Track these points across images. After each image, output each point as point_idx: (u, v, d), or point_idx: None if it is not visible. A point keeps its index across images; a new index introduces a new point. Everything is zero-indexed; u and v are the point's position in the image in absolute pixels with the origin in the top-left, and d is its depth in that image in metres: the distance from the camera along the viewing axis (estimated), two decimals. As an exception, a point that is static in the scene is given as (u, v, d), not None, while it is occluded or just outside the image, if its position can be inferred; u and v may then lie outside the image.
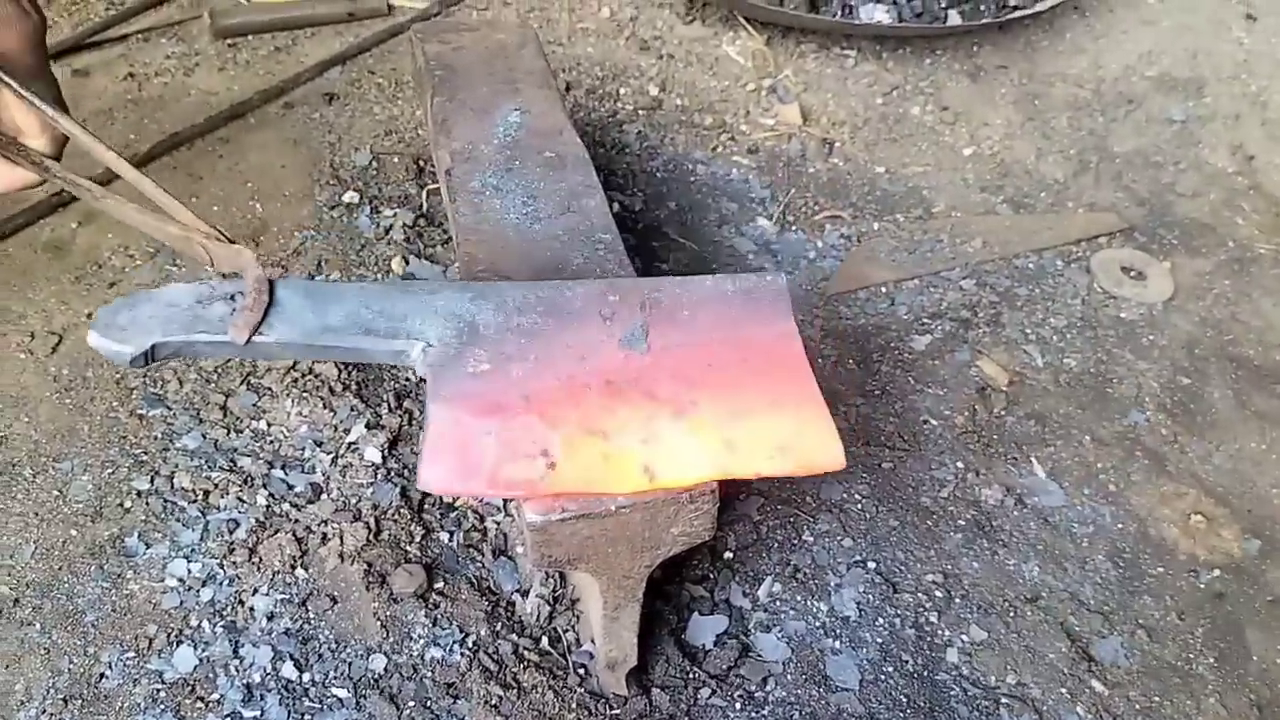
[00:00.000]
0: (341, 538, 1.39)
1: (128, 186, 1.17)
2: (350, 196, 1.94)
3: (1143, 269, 1.90)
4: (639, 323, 1.14)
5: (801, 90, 2.28)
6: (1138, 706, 1.31)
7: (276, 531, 1.41)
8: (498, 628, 1.32)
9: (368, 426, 1.51)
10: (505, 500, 1.44)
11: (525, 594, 1.36)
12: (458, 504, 1.45)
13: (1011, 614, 1.39)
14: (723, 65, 2.33)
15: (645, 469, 1.02)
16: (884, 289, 1.84)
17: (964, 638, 1.36)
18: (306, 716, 1.25)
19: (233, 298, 1.10)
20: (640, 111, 2.21)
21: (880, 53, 2.38)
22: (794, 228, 1.97)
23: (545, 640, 1.32)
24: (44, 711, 1.25)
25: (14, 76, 1.11)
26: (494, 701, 1.26)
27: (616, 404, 1.06)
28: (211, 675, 1.28)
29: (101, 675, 1.29)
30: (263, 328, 1.08)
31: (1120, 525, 1.50)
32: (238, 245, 1.13)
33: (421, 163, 2.01)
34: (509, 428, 1.03)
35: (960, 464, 1.56)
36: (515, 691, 1.27)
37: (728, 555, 1.43)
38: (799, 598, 1.39)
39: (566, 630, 1.33)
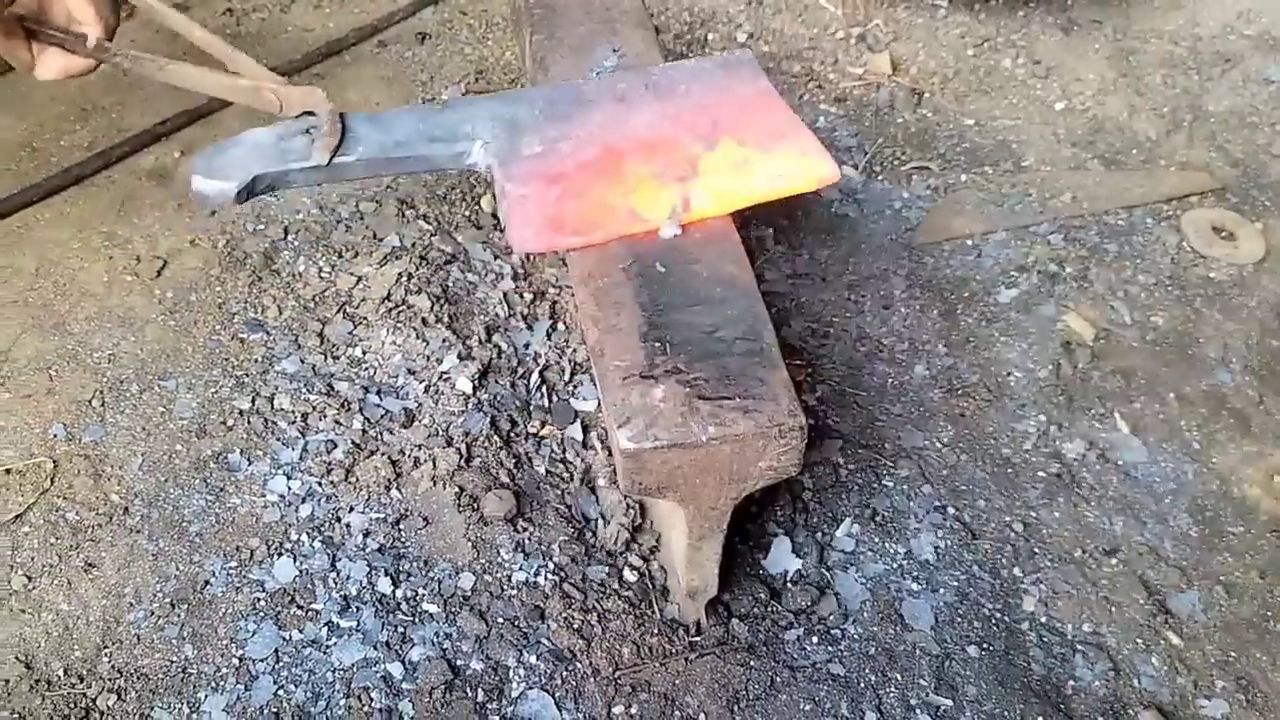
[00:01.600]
0: (434, 462, 1.44)
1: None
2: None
3: (1234, 229, 1.88)
4: (650, 98, 1.34)
5: (891, 40, 2.26)
6: (1213, 660, 1.32)
7: (372, 454, 1.46)
8: (581, 554, 1.36)
9: (459, 358, 1.55)
10: (587, 430, 1.48)
11: (607, 522, 1.39)
12: (544, 433, 1.49)
13: (1090, 565, 1.40)
14: (812, 13, 2.32)
15: (686, 201, 1.22)
16: (970, 241, 1.84)
17: (1042, 586, 1.38)
18: (400, 629, 1.30)
19: (308, 131, 1.24)
20: (728, 58, 2.20)
21: (972, 3, 2.35)
22: (880, 177, 1.96)
23: (626, 568, 1.36)
24: (151, 613, 1.32)
25: None
26: (576, 625, 1.30)
27: (650, 158, 1.27)
28: (310, 587, 1.34)
29: (206, 582, 1.35)
30: (344, 150, 1.23)
31: (1202, 483, 1.50)
32: (309, 86, 1.25)
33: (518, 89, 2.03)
34: (573, 188, 1.23)
35: (1043, 417, 1.57)
36: (597, 616, 1.31)
37: (807, 496, 1.45)
38: (877, 540, 1.41)
39: (647, 559, 1.36)
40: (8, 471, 1.44)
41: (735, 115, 1.32)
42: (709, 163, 1.26)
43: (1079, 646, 1.32)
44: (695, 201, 1.22)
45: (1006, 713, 1.25)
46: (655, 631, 1.29)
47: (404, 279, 1.65)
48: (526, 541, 1.37)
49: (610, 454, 1.46)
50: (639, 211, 1.21)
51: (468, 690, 1.25)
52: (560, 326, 1.61)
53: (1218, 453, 1.54)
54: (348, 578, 1.34)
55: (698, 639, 1.29)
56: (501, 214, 1.23)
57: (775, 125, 1.31)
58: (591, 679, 1.26)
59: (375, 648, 1.29)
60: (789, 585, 1.36)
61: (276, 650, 1.29)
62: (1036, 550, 1.41)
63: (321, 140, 1.21)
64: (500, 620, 1.31)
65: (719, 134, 1.30)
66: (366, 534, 1.38)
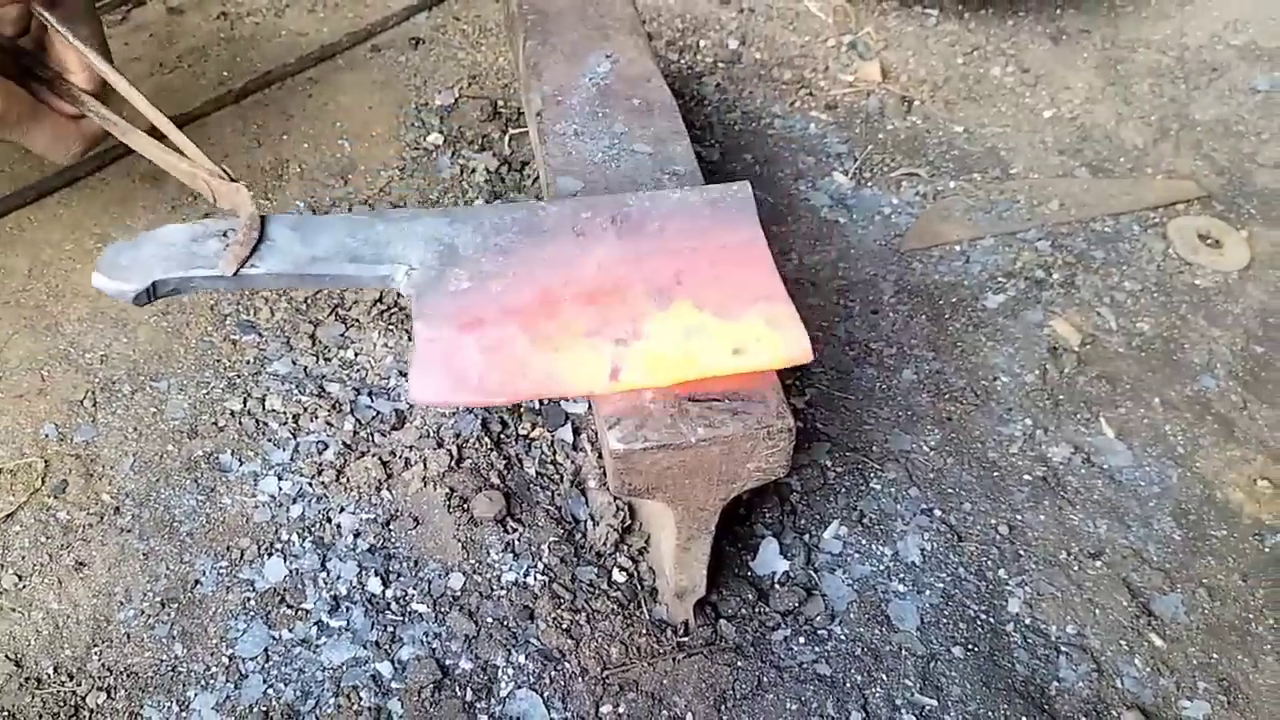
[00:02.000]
0: (425, 463, 1.45)
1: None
2: (434, 139, 1.98)
3: (1219, 237, 1.90)
4: (612, 236, 1.20)
5: (882, 48, 2.28)
6: (1195, 662, 1.33)
7: (363, 454, 1.46)
8: (570, 555, 1.37)
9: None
10: (577, 432, 1.49)
11: (597, 524, 1.40)
12: (534, 435, 1.50)
13: (1075, 568, 1.41)
14: (803, 20, 2.34)
15: (615, 370, 1.08)
16: (959, 247, 1.85)
17: (1026, 588, 1.39)
18: (389, 628, 1.31)
19: (225, 234, 1.16)
20: (719, 64, 2.22)
21: (962, 12, 2.37)
22: (870, 184, 1.98)
23: (615, 569, 1.36)
24: (142, 612, 1.33)
25: (57, 14, 1.20)
26: (565, 625, 1.31)
27: (592, 312, 1.12)
28: (300, 586, 1.34)
29: (196, 581, 1.36)
30: (254, 260, 1.14)
31: (1186, 487, 1.51)
32: (237, 184, 1.19)
33: (503, 108, 2.05)
34: (489, 340, 1.09)
35: (1029, 421, 1.58)
36: (585, 616, 1.32)
37: (795, 498, 1.46)
38: (864, 542, 1.42)
39: (635, 560, 1.37)
40: (-1, 471, 1.45)
41: (705, 268, 1.17)
42: (656, 325, 1.11)
43: (1063, 648, 1.33)
44: (626, 373, 1.08)
45: (991, 713, 1.26)
46: (643, 632, 1.30)
47: (396, 282, 1.66)
48: (516, 542, 1.38)
49: (600, 456, 1.47)
50: (558, 375, 1.07)
51: (457, 689, 1.26)
52: (551, 329, 1.62)
53: (1202, 457, 1.55)
54: (338, 577, 1.35)
55: (685, 639, 1.30)
56: (411, 355, 1.12)
57: (749, 286, 1.15)
58: (580, 678, 1.27)
59: (365, 647, 1.29)
60: (776, 586, 1.37)
61: (266, 649, 1.30)
62: (1022, 553, 1.43)
63: (231, 250, 1.14)
64: (489, 620, 1.31)
65: (677, 291, 1.14)
66: (357, 534, 1.39)
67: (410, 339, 1.58)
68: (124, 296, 1.13)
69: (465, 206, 1.23)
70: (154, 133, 1.22)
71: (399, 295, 1.11)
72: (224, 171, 1.20)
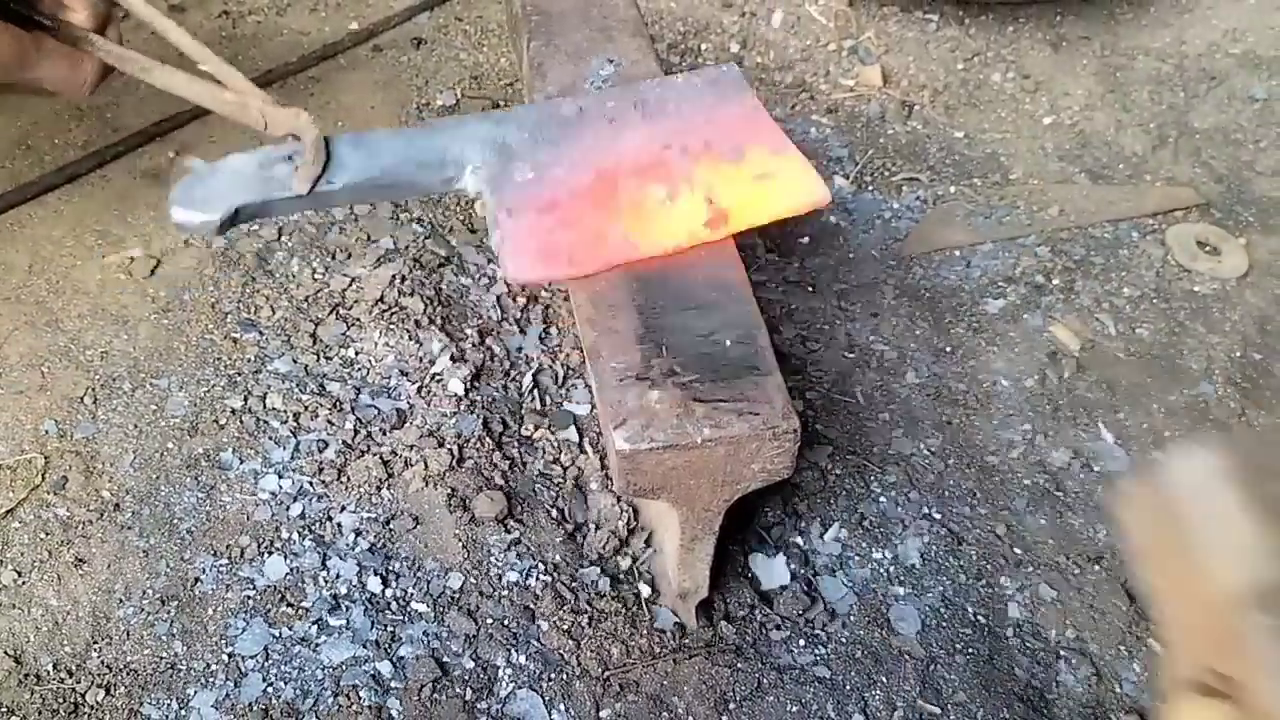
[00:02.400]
0: (426, 463, 1.45)
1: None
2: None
3: (1218, 244, 1.90)
4: (639, 119, 1.32)
5: (883, 53, 2.29)
6: (1194, 667, 1.33)
7: (363, 453, 1.46)
8: (572, 555, 1.37)
9: (452, 360, 1.56)
10: (581, 433, 1.49)
11: (599, 525, 1.40)
12: (536, 436, 1.50)
13: (1074, 572, 1.41)
14: (804, 25, 2.35)
15: (687, 229, 1.21)
16: (959, 252, 1.86)
17: (1026, 592, 1.39)
18: (389, 628, 1.31)
19: (290, 158, 1.19)
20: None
21: (963, 18, 2.37)
22: (870, 188, 1.98)
23: (616, 570, 1.36)
24: (141, 610, 1.32)
25: None
26: (567, 626, 1.31)
27: (644, 183, 1.25)
28: (300, 584, 1.34)
29: (196, 579, 1.35)
30: (327, 177, 1.19)
31: (1185, 493, 1.52)
32: (294, 108, 1.20)
33: (504, 107, 2.04)
34: (568, 217, 1.22)
35: (1029, 426, 1.58)
36: (586, 617, 1.32)
37: (796, 500, 1.46)
38: (865, 545, 1.43)
39: (637, 561, 1.37)
40: (-1, 467, 1.45)
41: (727, 135, 1.30)
42: (704, 187, 1.25)
43: (1062, 652, 1.34)
44: (692, 228, 1.21)
45: (990, 717, 1.27)
46: (644, 633, 1.30)
47: (397, 281, 1.66)
48: (517, 542, 1.38)
49: (603, 457, 1.47)
50: (635, 240, 1.20)
51: (457, 689, 1.26)
52: (552, 331, 1.62)
53: (1200, 463, 1.56)
54: (338, 576, 1.35)
55: (687, 640, 1.31)
56: (494, 243, 1.21)
57: (767, 145, 1.30)
58: (580, 679, 1.27)
59: (364, 646, 1.29)
60: (777, 588, 1.37)
61: (266, 647, 1.29)
62: (1021, 557, 1.43)
63: (305, 169, 1.17)
64: (490, 620, 1.31)
65: (712, 155, 1.28)
66: (357, 533, 1.39)
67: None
68: (208, 227, 1.16)
69: (503, 110, 1.35)
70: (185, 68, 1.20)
71: (463, 199, 1.20)
72: (274, 98, 1.20)
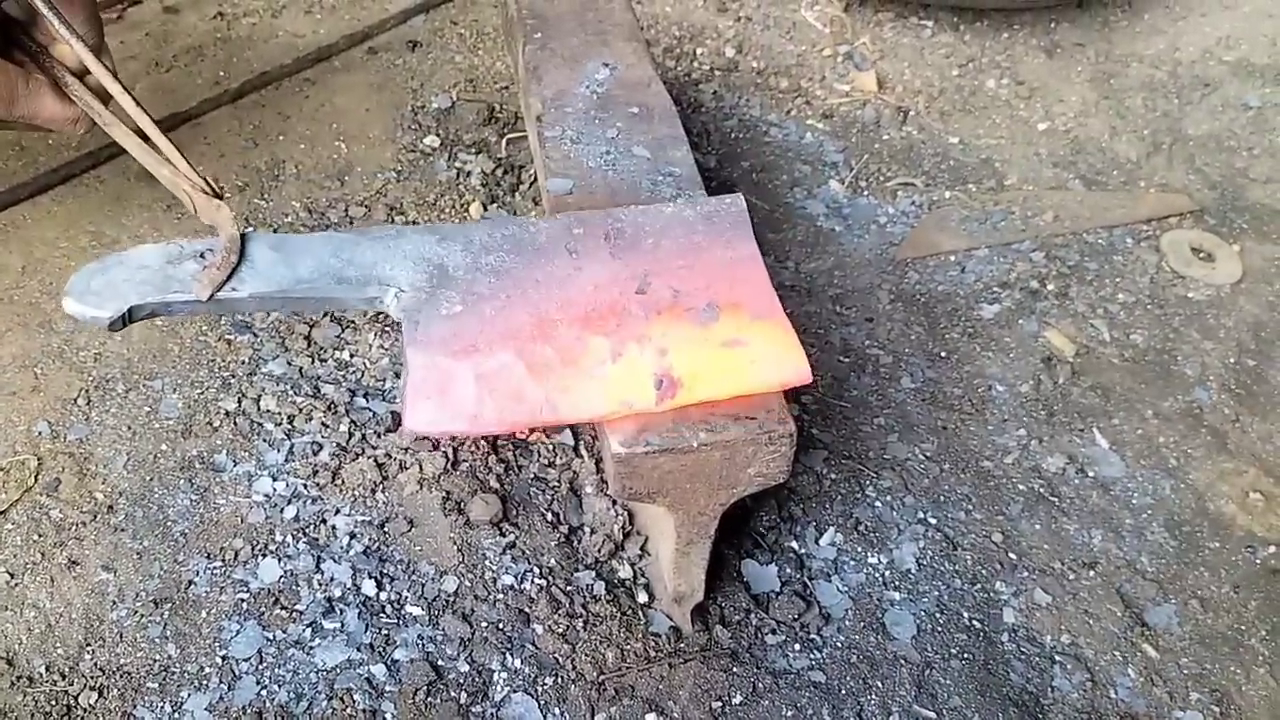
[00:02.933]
0: (420, 466, 1.44)
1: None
2: (431, 141, 1.98)
3: (1212, 251, 1.91)
4: (606, 254, 1.18)
5: (878, 58, 2.29)
6: (1188, 672, 1.34)
7: (358, 456, 1.46)
8: (567, 559, 1.37)
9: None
10: (577, 437, 1.49)
11: (594, 528, 1.40)
12: (531, 439, 1.49)
13: (1069, 577, 1.42)
14: (800, 30, 2.35)
15: (621, 398, 1.07)
16: (953, 257, 1.86)
17: (1021, 597, 1.39)
18: (384, 631, 1.30)
19: (203, 255, 1.12)
20: (716, 72, 2.23)
21: (957, 24, 2.38)
22: (866, 193, 1.99)
23: (611, 574, 1.36)
24: (135, 612, 1.32)
25: None
26: (562, 630, 1.30)
27: (587, 336, 1.11)
28: (294, 588, 1.34)
29: (190, 582, 1.35)
30: (235, 284, 1.11)
31: (1179, 499, 1.52)
32: (218, 201, 1.16)
33: (500, 112, 2.04)
34: (484, 367, 1.08)
35: (1023, 431, 1.59)
36: (581, 621, 1.31)
37: (791, 505, 1.46)
38: (860, 549, 1.43)
39: (633, 565, 1.37)
40: (-9, 468, 1.44)
41: (704, 286, 1.16)
42: (660, 350, 1.10)
43: (1057, 657, 1.34)
44: (632, 397, 1.08)
45: (986, 721, 1.27)
46: (640, 637, 1.30)
47: (392, 284, 1.66)
48: (512, 546, 1.38)
49: (598, 461, 1.47)
50: (555, 404, 1.07)
51: (451, 693, 1.26)
52: (548, 334, 1.62)
53: (1195, 469, 1.56)
54: (332, 579, 1.35)
55: (682, 645, 1.30)
56: (401, 380, 1.10)
57: (747, 307, 1.15)
58: (575, 683, 1.27)
59: (359, 649, 1.29)
60: (772, 593, 1.37)
61: (260, 650, 1.29)
62: (1016, 562, 1.43)
63: (207, 274, 1.11)
64: (484, 624, 1.31)
65: (674, 312, 1.13)
66: (351, 536, 1.39)
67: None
68: (98, 323, 1.09)
69: (453, 224, 1.21)
70: (142, 135, 1.18)
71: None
72: (207, 184, 1.16)
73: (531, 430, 1.08)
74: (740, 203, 1.25)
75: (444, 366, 1.08)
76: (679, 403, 1.08)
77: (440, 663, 1.28)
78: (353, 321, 1.62)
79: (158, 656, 1.28)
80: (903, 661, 1.32)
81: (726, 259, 1.19)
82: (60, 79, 1.18)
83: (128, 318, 1.10)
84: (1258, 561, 1.45)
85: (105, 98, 1.20)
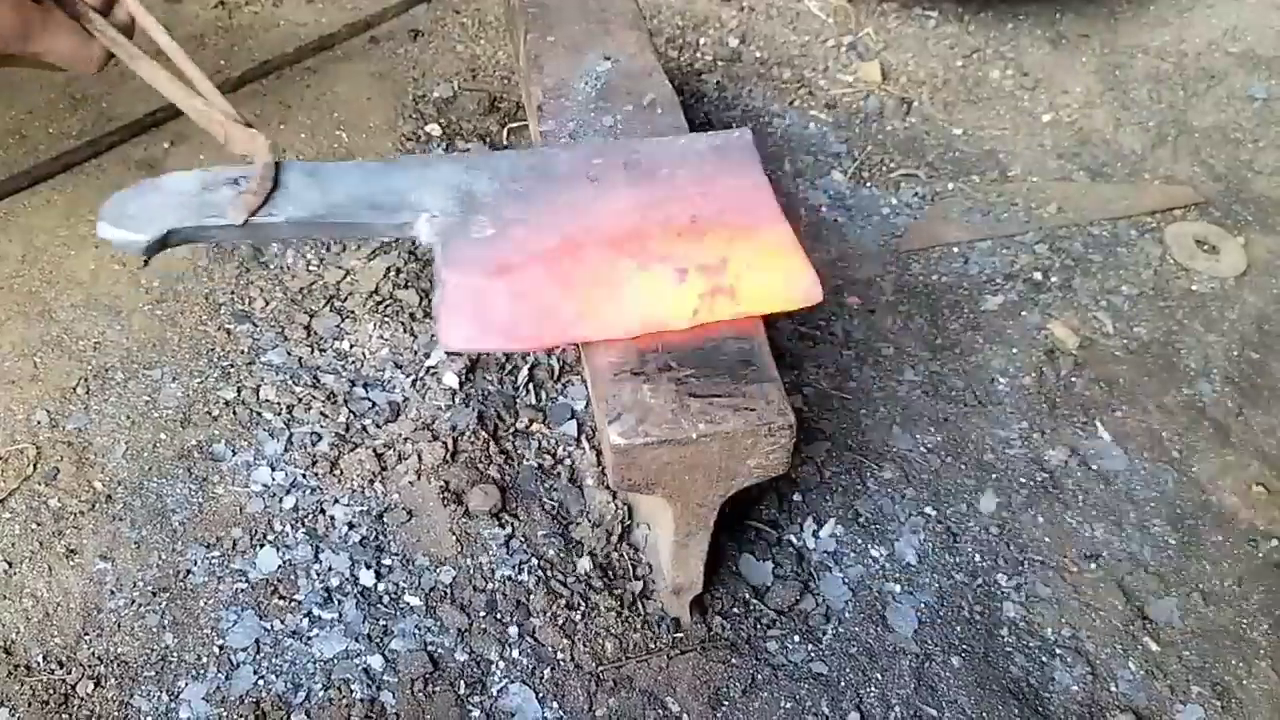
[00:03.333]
0: (419, 456, 1.44)
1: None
2: (432, 130, 1.97)
3: (1216, 243, 1.90)
4: (624, 181, 1.21)
5: (881, 49, 2.28)
6: (1189, 666, 1.33)
7: (357, 446, 1.45)
8: (566, 550, 1.37)
9: (447, 353, 1.55)
10: (579, 427, 1.48)
11: (593, 520, 1.39)
12: (532, 430, 1.49)
13: (1071, 570, 1.41)
14: (803, 20, 2.34)
15: (649, 315, 1.10)
16: (956, 248, 1.85)
17: (1022, 590, 1.39)
18: (381, 621, 1.30)
19: (237, 181, 1.13)
20: (719, 62, 2.22)
21: (962, 15, 2.37)
22: (869, 184, 1.98)
23: (610, 565, 1.36)
24: (133, 601, 1.32)
25: None
26: (561, 621, 1.30)
27: (614, 257, 1.14)
28: (293, 577, 1.33)
29: (188, 571, 1.34)
30: (271, 209, 1.12)
31: (1182, 492, 1.51)
32: (253, 130, 1.16)
33: (501, 101, 2.04)
34: (518, 285, 1.11)
35: (1026, 423, 1.58)
36: (580, 612, 1.31)
37: (794, 496, 1.46)
38: (860, 541, 1.42)
39: (632, 557, 1.37)
40: (-10, 457, 1.44)
41: (718, 213, 1.19)
42: (680, 269, 1.13)
43: (1058, 650, 1.33)
44: (657, 315, 1.10)
45: (985, 714, 1.26)
46: (638, 628, 1.30)
47: (392, 274, 1.66)
48: (511, 537, 1.37)
49: (598, 452, 1.46)
50: (589, 320, 1.10)
51: (449, 683, 1.25)
52: (548, 324, 1.61)
53: (1197, 462, 1.55)
54: (330, 569, 1.34)
55: (681, 636, 1.30)
56: (435, 300, 1.11)
57: (761, 233, 1.18)
58: (574, 675, 1.26)
59: (356, 640, 1.28)
60: (771, 584, 1.36)
61: (257, 640, 1.28)
62: (1018, 555, 1.42)
63: (243, 199, 1.11)
64: (482, 614, 1.31)
65: (693, 235, 1.16)
66: (350, 526, 1.38)
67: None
68: (134, 247, 1.10)
69: (478, 154, 1.23)
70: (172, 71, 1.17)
71: (417, 245, 1.09)
72: (239, 114, 1.16)
73: (561, 345, 1.10)
74: (747, 135, 1.29)
75: (479, 285, 1.11)
76: (698, 322, 1.10)
77: (438, 653, 1.28)
78: (352, 312, 1.62)
79: (155, 646, 1.28)
80: (902, 654, 1.31)
81: (737, 186, 1.22)
82: (83, 14, 1.15)
83: (164, 241, 1.11)
84: (1260, 555, 1.45)
85: (130, 34, 1.18)
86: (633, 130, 1.40)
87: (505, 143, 1.94)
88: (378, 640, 1.28)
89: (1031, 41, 2.34)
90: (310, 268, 1.69)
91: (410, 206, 1.16)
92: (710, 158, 1.26)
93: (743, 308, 1.12)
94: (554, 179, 1.22)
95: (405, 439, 1.46)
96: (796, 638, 1.32)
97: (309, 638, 1.29)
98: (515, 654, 1.28)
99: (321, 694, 1.24)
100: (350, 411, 1.50)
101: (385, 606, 1.32)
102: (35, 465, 1.43)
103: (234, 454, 1.46)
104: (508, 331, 1.09)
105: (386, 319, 1.61)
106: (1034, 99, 2.20)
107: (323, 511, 1.40)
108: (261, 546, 1.36)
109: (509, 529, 1.38)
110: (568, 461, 1.46)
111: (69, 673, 1.25)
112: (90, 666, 1.25)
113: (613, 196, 1.20)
